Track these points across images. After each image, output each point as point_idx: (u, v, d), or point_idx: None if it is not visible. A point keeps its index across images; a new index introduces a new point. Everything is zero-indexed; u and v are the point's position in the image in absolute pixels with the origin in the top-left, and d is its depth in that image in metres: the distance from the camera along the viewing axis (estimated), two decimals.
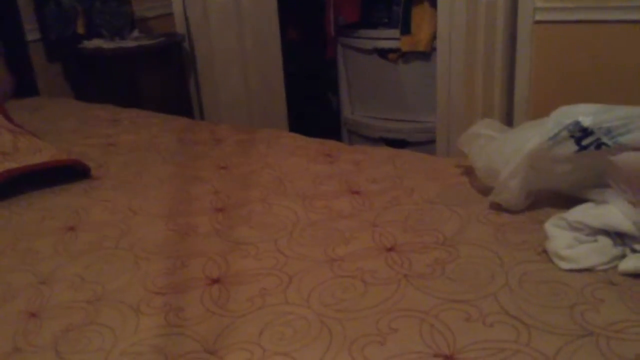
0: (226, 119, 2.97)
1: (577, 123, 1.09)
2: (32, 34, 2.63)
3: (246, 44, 2.96)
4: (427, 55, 2.87)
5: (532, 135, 1.14)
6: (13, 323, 1.01)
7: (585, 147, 1.10)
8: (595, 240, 1.06)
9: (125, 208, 1.40)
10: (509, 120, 2.26)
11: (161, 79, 2.82)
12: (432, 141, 2.76)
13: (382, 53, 3.02)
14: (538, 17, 2.13)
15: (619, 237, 1.05)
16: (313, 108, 3.62)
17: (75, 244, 1.25)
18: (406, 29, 2.84)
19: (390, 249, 1.15)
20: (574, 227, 1.07)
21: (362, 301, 1.00)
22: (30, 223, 1.37)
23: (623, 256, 1.03)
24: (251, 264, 1.13)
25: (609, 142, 1.07)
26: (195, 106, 3.13)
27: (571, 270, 1.03)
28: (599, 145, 1.08)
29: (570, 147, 1.11)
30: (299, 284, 1.06)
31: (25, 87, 2.54)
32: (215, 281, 1.08)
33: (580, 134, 1.09)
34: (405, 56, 2.97)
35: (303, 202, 1.39)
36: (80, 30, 2.79)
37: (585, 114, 1.09)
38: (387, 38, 2.96)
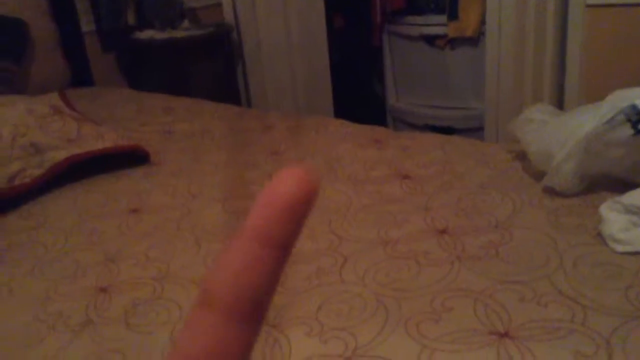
0: (273, 107, 3.02)
1: (634, 107, 1.08)
2: (87, 25, 2.72)
3: (292, 33, 2.99)
4: (474, 40, 2.85)
5: (587, 119, 1.14)
6: (85, 297, 1.07)
7: None
8: None
9: (184, 192, 1.46)
10: (559, 105, 2.23)
11: (210, 68, 2.88)
12: (478, 128, 2.74)
13: (429, 40, 3.01)
14: (590, 1, 2.09)
15: None
16: (358, 96, 3.63)
17: (139, 225, 1.31)
18: (453, 15, 2.82)
19: (442, 232, 1.17)
20: (630, 211, 1.07)
21: (416, 281, 1.02)
22: (94, 205, 1.45)
23: None
24: (307, 244, 1.17)
25: None
26: (243, 95, 3.19)
27: (626, 253, 1.03)
28: None
29: (626, 131, 1.10)
30: (354, 264, 1.09)
31: (80, 77, 2.64)
32: None
33: (637, 117, 1.08)
34: (452, 42, 2.95)
35: (354, 186, 1.42)
36: (131, 20, 2.88)
37: None
38: (434, 24, 2.94)
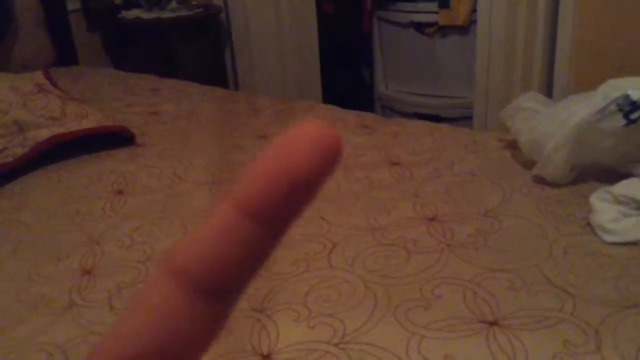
0: (261, 91, 2.99)
1: (627, 97, 1.08)
2: (73, 3, 2.67)
3: (282, 17, 2.96)
4: (464, 29, 2.83)
5: (579, 109, 1.14)
6: (68, 279, 1.05)
7: (634, 121, 1.09)
8: None
9: (170, 174, 1.43)
10: (548, 95, 2.23)
11: (197, 50, 2.84)
12: (466, 117, 2.74)
13: (419, 27, 2.99)
14: None
15: None
16: (347, 82, 3.61)
17: (124, 207, 1.29)
18: (444, 3, 2.79)
19: (431, 219, 1.17)
20: (620, 201, 1.06)
21: (405, 268, 1.02)
22: (78, 186, 1.42)
23: None
24: (294, 230, 1.15)
25: None
26: (230, 79, 3.15)
27: (615, 244, 1.03)
28: None
29: (618, 120, 1.10)
30: (343, 250, 1.08)
31: (65, 55, 2.58)
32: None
33: (629, 107, 1.08)
34: (443, 30, 2.93)
35: (344, 172, 1.40)
36: (118, 0, 2.82)
37: (635, 87, 1.08)
38: (424, 11, 2.92)
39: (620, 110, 1.09)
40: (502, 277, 0.97)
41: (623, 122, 1.09)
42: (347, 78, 3.65)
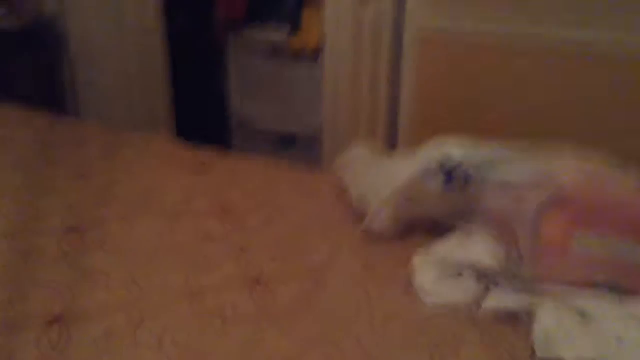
0: (104, 109, 2.77)
1: (448, 157, 1.08)
2: None
3: (125, 29, 2.76)
4: (317, 55, 2.83)
5: (404, 167, 1.13)
6: None
7: (453, 180, 1.09)
8: (461, 275, 1.06)
9: None
10: (394, 133, 2.27)
11: (29, 66, 2.57)
12: (320, 138, 2.72)
13: (272, 50, 2.94)
14: (422, 35, 2.13)
15: (482, 273, 1.05)
16: (202, 100, 3.47)
17: None
18: (295, 28, 2.78)
19: (256, 280, 1.09)
20: (441, 263, 1.06)
21: (219, 343, 0.93)
22: None
23: (486, 293, 1.04)
24: (100, 296, 1.02)
25: (476, 177, 1.07)
26: (69, 98, 2.88)
27: (436, 306, 1.02)
28: (466, 179, 1.08)
29: (440, 180, 1.10)
30: (153, 322, 0.97)
31: None
32: (56, 319, 0.96)
33: (450, 167, 1.08)
34: (295, 55, 2.91)
35: (169, 221, 1.29)
36: None
37: (456, 147, 1.09)
38: (276, 36, 2.88)
39: (442, 169, 1.09)
40: (321, 352, 0.92)
41: (443, 183, 1.09)
42: (203, 94, 3.51)
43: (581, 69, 1.68)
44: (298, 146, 3.02)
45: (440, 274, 1.05)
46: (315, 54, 2.83)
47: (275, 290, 1.06)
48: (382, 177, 1.16)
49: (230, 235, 1.25)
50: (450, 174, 1.07)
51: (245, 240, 1.23)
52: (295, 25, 2.80)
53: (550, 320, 0.92)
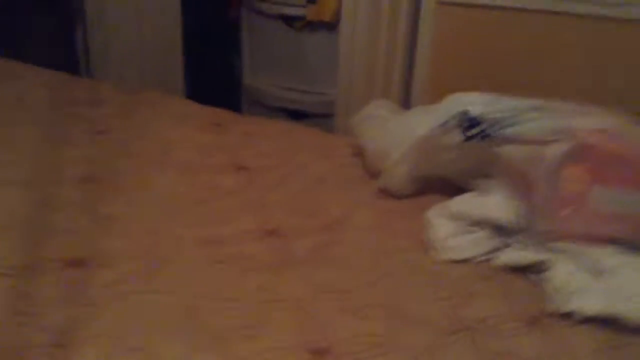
0: (116, 74, 2.77)
1: (466, 113, 1.07)
2: None
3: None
4: (333, 26, 2.81)
5: (422, 122, 1.12)
6: None
7: (471, 137, 1.09)
8: (475, 232, 1.06)
9: None
10: (407, 100, 2.26)
11: (43, 27, 2.57)
12: (332, 114, 2.72)
13: (287, 20, 2.92)
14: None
15: (497, 229, 1.06)
16: (214, 71, 3.46)
17: None
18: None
19: (271, 232, 1.10)
20: (455, 217, 1.06)
21: (236, 289, 0.94)
22: None
23: (500, 249, 1.04)
24: (117, 244, 1.03)
25: (495, 134, 1.06)
26: (82, 62, 2.89)
27: (449, 261, 1.02)
28: (484, 136, 1.08)
29: (457, 136, 1.10)
30: (170, 268, 0.98)
31: None
32: (74, 263, 0.97)
33: (468, 123, 1.08)
34: (311, 25, 2.88)
35: (186, 176, 1.30)
36: None
37: (475, 103, 1.08)
38: (292, 5, 2.85)
39: (460, 125, 1.09)
40: (336, 298, 0.92)
41: (461, 137, 1.09)
42: (215, 66, 3.51)
43: (598, 31, 1.67)
44: (311, 120, 3.01)
45: (455, 229, 1.05)
46: (332, 25, 2.81)
47: (292, 242, 1.07)
48: (399, 132, 1.16)
49: (247, 191, 1.26)
50: (468, 129, 1.07)
51: (262, 196, 1.24)
52: None
53: (564, 274, 0.93)
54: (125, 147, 1.41)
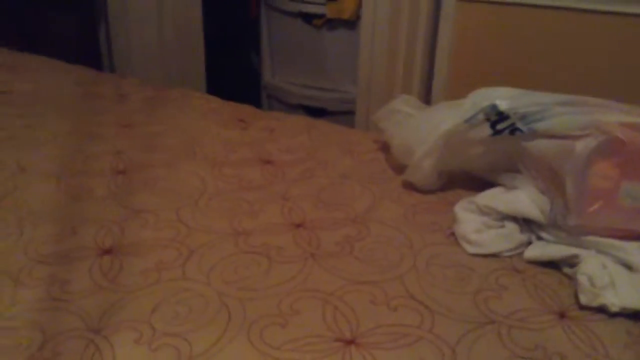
0: (139, 72, 2.80)
1: (494, 106, 1.07)
2: None
3: None
4: (352, 23, 2.81)
5: (448, 116, 1.12)
6: None
7: (499, 132, 1.09)
8: (503, 226, 1.06)
9: (12, 163, 1.26)
10: (427, 97, 2.26)
11: (67, 26, 2.60)
12: (351, 112, 2.72)
13: (307, 18, 2.93)
14: None
15: (526, 223, 1.06)
16: (233, 68, 3.48)
17: None
18: None
19: (299, 225, 1.11)
20: (483, 212, 1.07)
21: (265, 279, 0.95)
22: None
23: (529, 243, 1.04)
24: (149, 234, 1.05)
25: (523, 128, 1.06)
26: (105, 60, 2.92)
27: (478, 255, 1.03)
28: (513, 130, 1.08)
29: (485, 130, 1.10)
30: (200, 258, 0.99)
31: None
32: (108, 251, 0.99)
33: (496, 117, 1.08)
34: (331, 23, 2.89)
35: (212, 169, 1.31)
36: None
37: (503, 97, 1.08)
38: (312, 2, 2.87)
39: (487, 119, 1.09)
40: (365, 290, 0.93)
41: (489, 131, 1.09)
42: (235, 64, 3.53)
43: (622, 28, 1.66)
44: (331, 118, 3.02)
45: (483, 224, 1.05)
46: (352, 23, 2.82)
47: (319, 235, 1.08)
48: (424, 127, 1.16)
49: (272, 185, 1.27)
50: (497, 123, 1.07)
51: (287, 190, 1.25)
52: None
53: (595, 268, 0.92)
54: (152, 140, 1.43)
